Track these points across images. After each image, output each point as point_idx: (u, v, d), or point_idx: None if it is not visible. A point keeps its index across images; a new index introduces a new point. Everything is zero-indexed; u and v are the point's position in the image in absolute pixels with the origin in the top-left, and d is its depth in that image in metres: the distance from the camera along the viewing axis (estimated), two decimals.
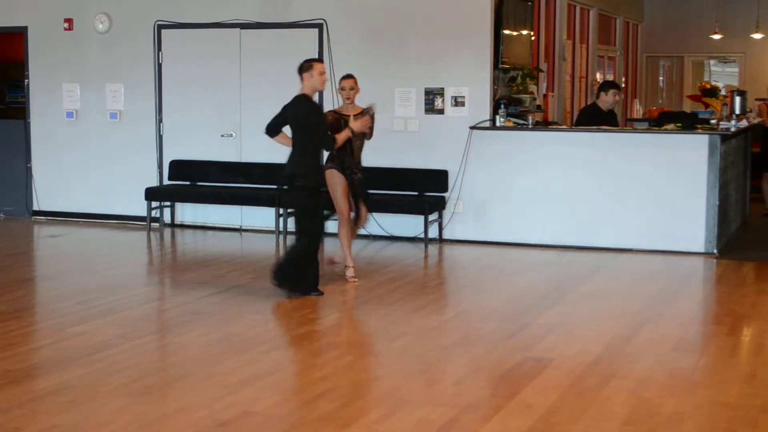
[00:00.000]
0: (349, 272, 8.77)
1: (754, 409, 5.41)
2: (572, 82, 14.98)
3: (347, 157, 8.61)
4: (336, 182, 8.60)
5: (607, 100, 10.85)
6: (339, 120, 8.64)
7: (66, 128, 12.37)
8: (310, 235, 8.12)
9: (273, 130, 8.31)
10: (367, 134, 8.72)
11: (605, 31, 16.60)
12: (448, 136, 10.75)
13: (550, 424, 5.15)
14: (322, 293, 8.16)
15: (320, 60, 8.53)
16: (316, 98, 8.56)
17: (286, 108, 8.24)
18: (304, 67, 8.20)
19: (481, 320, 7.46)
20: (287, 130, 8.31)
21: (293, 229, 11.29)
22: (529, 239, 10.60)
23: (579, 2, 14.84)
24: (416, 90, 10.91)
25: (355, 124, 8.50)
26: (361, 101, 8.85)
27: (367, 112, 8.64)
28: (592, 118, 10.80)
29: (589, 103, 13.71)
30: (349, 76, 8.80)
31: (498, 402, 5.53)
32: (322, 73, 8.18)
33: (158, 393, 5.67)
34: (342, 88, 8.74)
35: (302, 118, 8.13)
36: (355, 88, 8.73)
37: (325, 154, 8.84)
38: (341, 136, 8.39)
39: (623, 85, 17.61)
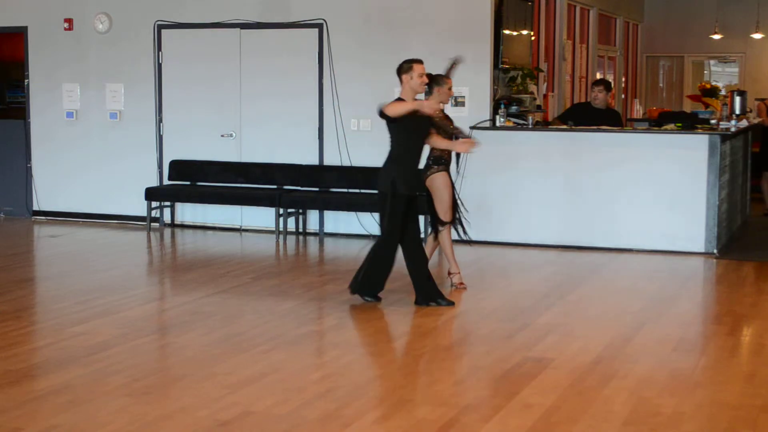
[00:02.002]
0: (456, 278, 8.59)
1: (754, 409, 5.41)
2: (572, 82, 14.97)
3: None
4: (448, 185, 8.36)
5: (593, 97, 11.02)
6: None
7: (66, 128, 12.37)
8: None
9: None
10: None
11: (605, 31, 16.59)
12: None
13: (550, 424, 5.14)
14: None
15: (420, 60, 7.74)
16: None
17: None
18: (404, 68, 7.68)
19: (481, 320, 7.46)
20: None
21: (292, 229, 11.41)
22: (529, 239, 10.60)
23: (579, 2, 14.84)
24: None
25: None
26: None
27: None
28: (576, 113, 11.08)
29: None
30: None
31: (498, 402, 5.53)
32: (422, 74, 7.65)
33: (158, 393, 5.67)
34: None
35: (430, 123, 7.76)
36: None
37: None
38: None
39: (623, 85, 17.62)
